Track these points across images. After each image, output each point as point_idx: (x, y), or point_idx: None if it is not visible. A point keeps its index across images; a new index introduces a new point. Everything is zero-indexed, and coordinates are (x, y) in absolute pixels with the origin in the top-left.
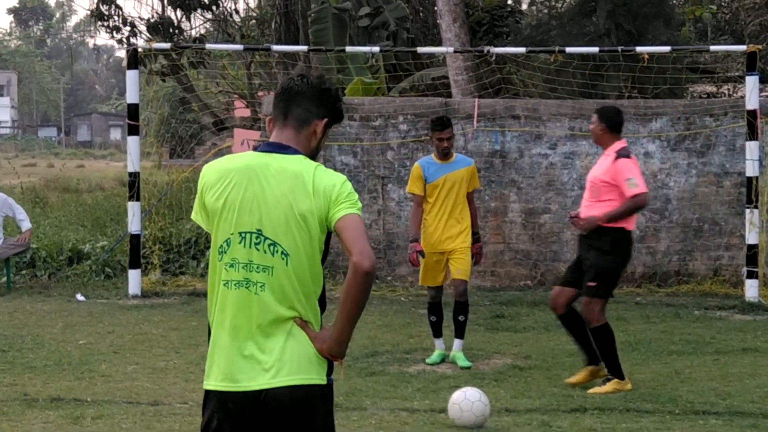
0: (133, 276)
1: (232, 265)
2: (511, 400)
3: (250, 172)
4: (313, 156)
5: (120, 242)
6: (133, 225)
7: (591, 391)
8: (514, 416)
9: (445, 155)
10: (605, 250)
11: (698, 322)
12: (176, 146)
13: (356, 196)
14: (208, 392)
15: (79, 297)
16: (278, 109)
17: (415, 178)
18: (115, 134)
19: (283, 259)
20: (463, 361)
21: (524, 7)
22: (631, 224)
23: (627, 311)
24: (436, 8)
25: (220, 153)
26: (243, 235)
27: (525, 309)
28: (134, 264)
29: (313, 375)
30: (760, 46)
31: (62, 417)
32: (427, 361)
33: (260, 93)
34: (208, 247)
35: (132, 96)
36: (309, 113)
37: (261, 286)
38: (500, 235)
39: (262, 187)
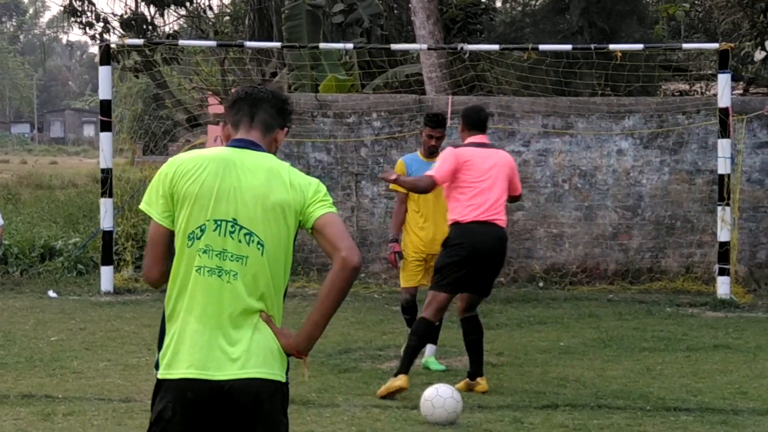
0: (106, 273)
1: (205, 252)
2: (484, 397)
3: (227, 162)
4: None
5: (92, 239)
6: (106, 221)
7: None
8: (486, 413)
9: (431, 153)
10: (443, 243)
11: (670, 319)
12: (149, 143)
13: (330, 196)
14: (163, 382)
15: (51, 294)
16: (242, 113)
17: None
18: (89, 131)
19: (258, 249)
20: (435, 365)
21: (498, 4)
22: (463, 217)
23: (599, 308)
24: (410, 5)
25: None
26: (218, 222)
27: (498, 306)
28: (107, 261)
29: (276, 371)
30: (732, 44)
31: (33, 414)
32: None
33: (234, 89)
34: None
35: (104, 92)
36: (273, 120)
37: (234, 275)
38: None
39: (239, 178)
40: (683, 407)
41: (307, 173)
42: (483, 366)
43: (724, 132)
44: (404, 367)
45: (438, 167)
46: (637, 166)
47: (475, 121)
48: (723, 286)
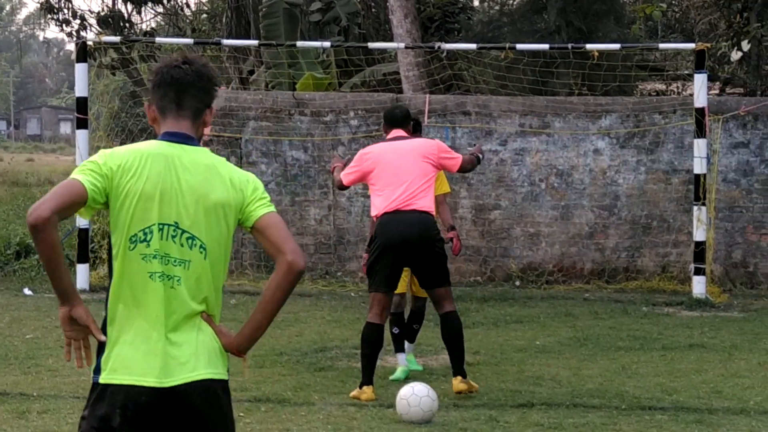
0: (82, 270)
1: (154, 257)
2: (459, 396)
3: (166, 161)
4: (198, 142)
5: (68, 236)
6: (81, 219)
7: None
8: (462, 411)
9: None
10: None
11: (646, 318)
12: (126, 140)
13: (268, 195)
14: (108, 386)
15: (27, 291)
16: (168, 99)
17: None
18: (65, 128)
19: (201, 252)
20: (413, 364)
21: (476, 3)
22: (377, 212)
23: (575, 307)
24: (387, 4)
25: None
26: (162, 227)
27: (474, 305)
28: (83, 258)
29: (220, 369)
30: (708, 45)
31: (8, 411)
32: (391, 378)
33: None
34: None
35: (81, 89)
36: (201, 103)
37: (178, 280)
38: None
39: (178, 177)
40: (658, 406)
41: (284, 171)
42: (461, 365)
43: (701, 132)
44: (366, 378)
45: (346, 169)
46: (613, 166)
47: (390, 118)
48: (698, 286)
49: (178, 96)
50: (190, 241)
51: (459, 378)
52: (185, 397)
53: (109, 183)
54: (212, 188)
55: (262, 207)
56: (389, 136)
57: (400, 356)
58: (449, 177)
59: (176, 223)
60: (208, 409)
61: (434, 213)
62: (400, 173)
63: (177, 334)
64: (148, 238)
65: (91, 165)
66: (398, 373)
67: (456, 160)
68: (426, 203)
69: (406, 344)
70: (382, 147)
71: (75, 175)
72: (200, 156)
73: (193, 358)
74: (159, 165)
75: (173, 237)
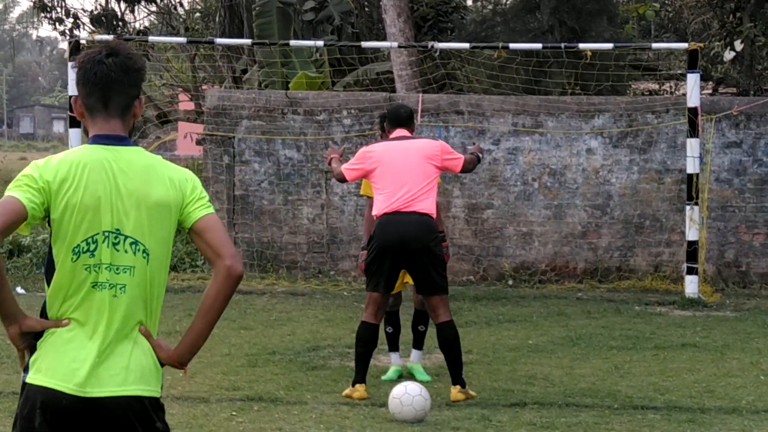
0: None
1: (98, 267)
2: None
3: (102, 166)
4: (131, 134)
5: None
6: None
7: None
8: (455, 411)
9: None
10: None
11: (638, 317)
12: None
13: (207, 195)
14: (33, 387)
15: (19, 290)
16: (94, 98)
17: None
18: (58, 127)
19: (144, 258)
20: (421, 375)
21: (469, 2)
22: (378, 212)
23: (568, 306)
24: (380, 3)
25: (164, 146)
26: (104, 234)
27: (467, 304)
28: None
29: (152, 386)
30: (701, 44)
31: (1, 411)
32: (383, 378)
33: (204, 86)
34: None
35: (74, 88)
36: (129, 98)
37: (122, 288)
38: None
39: (117, 183)
40: (651, 405)
41: (277, 170)
42: (459, 374)
43: (693, 131)
44: (359, 376)
45: (348, 164)
46: (606, 165)
47: (395, 118)
48: (691, 285)
49: (104, 95)
50: (133, 246)
51: (458, 387)
52: (108, 411)
53: (47, 197)
54: (152, 189)
55: (201, 208)
56: (393, 135)
57: (393, 355)
58: (443, 175)
59: (118, 229)
60: (132, 426)
61: (435, 215)
62: (401, 174)
63: (112, 346)
64: (91, 248)
65: (27, 180)
66: (390, 373)
67: (459, 160)
68: (426, 205)
69: (414, 353)
70: (385, 146)
71: (11, 192)
72: (136, 156)
73: (123, 372)
74: (95, 172)
75: (115, 244)
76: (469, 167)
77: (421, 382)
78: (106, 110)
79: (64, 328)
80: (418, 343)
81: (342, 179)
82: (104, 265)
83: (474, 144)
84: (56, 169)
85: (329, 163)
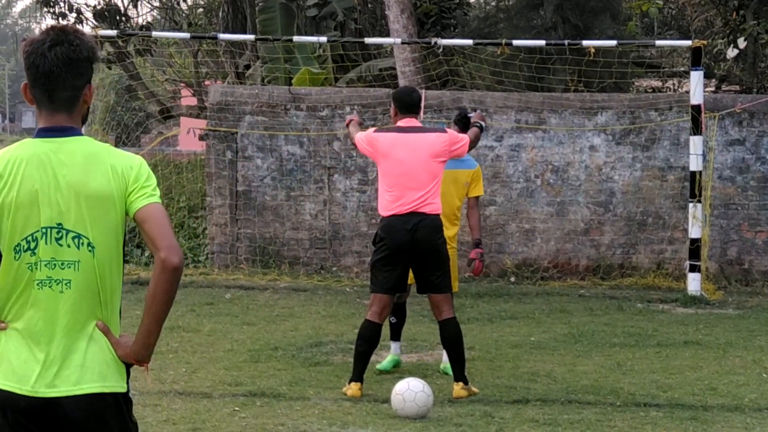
0: None
1: (35, 264)
2: None
3: (40, 161)
4: (85, 119)
5: None
6: None
7: None
8: (457, 407)
9: None
10: (373, 240)
11: (641, 314)
12: (122, 134)
13: (155, 180)
14: None
15: None
16: (39, 91)
17: None
18: None
19: (89, 251)
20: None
21: None
22: (386, 211)
23: (570, 303)
24: None
25: (166, 141)
26: (44, 230)
27: (469, 300)
28: None
29: (113, 382)
30: (705, 42)
31: None
32: (378, 367)
33: (207, 82)
34: None
35: None
36: (74, 90)
37: (67, 284)
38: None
39: (56, 176)
40: (653, 403)
41: (280, 166)
42: (461, 371)
43: (696, 129)
44: (356, 375)
45: (360, 138)
46: (609, 162)
47: (406, 104)
48: (694, 283)
49: (48, 90)
50: (76, 240)
51: (460, 384)
52: (64, 410)
53: None
54: (92, 178)
55: (143, 197)
56: (401, 124)
57: (394, 345)
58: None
59: (60, 224)
60: (91, 424)
61: (441, 212)
62: (409, 175)
63: (66, 344)
64: (32, 246)
65: None
66: (385, 363)
67: (464, 145)
68: (434, 207)
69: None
70: (394, 139)
71: None
72: (79, 146)
73: (78, 371)
74: (32, 168)
75: (58, 239)
76: (474, 144)
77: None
78: (51, 104)
79: (14, 329)
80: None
81: (352, 141)
82: (44, 262)
83: (476, 111)
84: None
85: (347, 125)
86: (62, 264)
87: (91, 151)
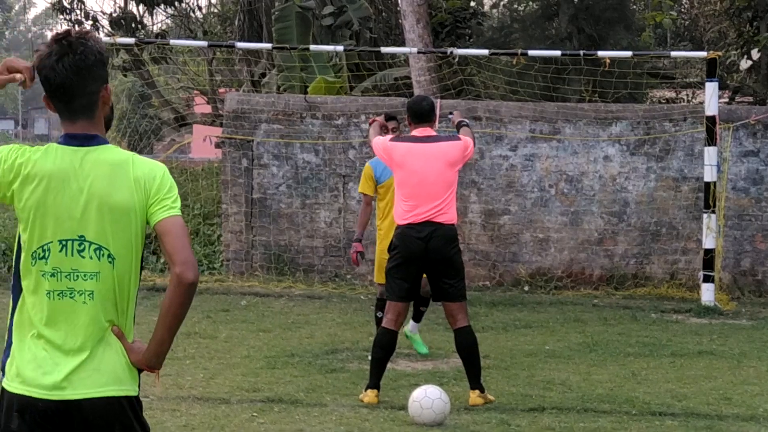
0: None
1: (53, 275)
2: None
3: (66, 172)
4: (109, 120)
5: None
6: None
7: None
8: (474, 414)
9: None
10: (388, 248)
11: (655, 324)
12: (136, 141)
13: (176, 191)
14: (6, 392)
15: None
16: (56, 102)
17: (366, 178)
18: None
19: (109, 263)
20: (419, 346)
21: (486, 9)
22: (401, 219)
23: (584, 313)
24: (399, 9)
25: (179, 149)
26: (63, 243)
27: (483, 309)
28: None
29: (128, 386)
30: (720, 53)
31: None
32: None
33: (221, 90)
34: None
35: None
36: (90, 95)
37: (89, 295)
38: (460, 235)
39: (79, 185)
40: (668, 412)
41: (295, 174)
42: (477, 379)
43: (711, 140)
44: (373, 382)
45: (378, 142)
46: (623, 173)
47: (417, 114)
48: (707, 293)
49: (65, 101)
50: (98, 252)
51: (477, 392)
52: (85, 413)
53: (9, 192)
54: (116, 190)
55: (163, 210)
56: (416, 133)
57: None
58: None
59: (81, 236)
60: (106, 426)
61: (456, 222)
62: (424, 185)
63: (83, 349)
64: (46, 255)
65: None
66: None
67: (473, 147)
68: (449, 216)
69: (412, 323)
70: (409, 149)
71: None
72: (104, 155)
73: (95, 374)
74: (56, 179)
75: (80, 251)
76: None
77: (420, 354)
78: (70, 114)
79: (34, 334)
80: (418, 318)
81: (370, 143)
82: (65, 273)
83: (454, 111)
84: (24, 163)
85: (370, 123)
86: (84, 275)
87: (115, 161)
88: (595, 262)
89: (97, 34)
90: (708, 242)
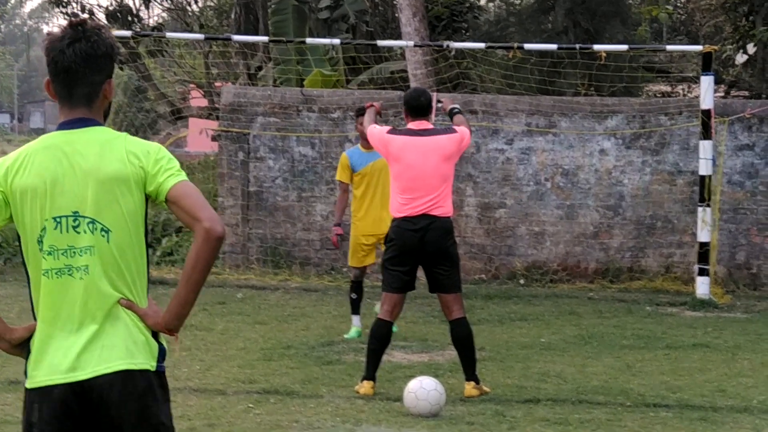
0: None
1: (50, 253)
2: None
3: (53, 152)
4: (107, 113)
5: None
6: None
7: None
8: (469, 406)
9: (368, 143)
10: (384, 239)
11: (650, 317)
12: (132, 135)
13: (177, 162)
14: (30, 391)
15: None
16: (59, 87)
17: (342, 167)
18: None
19: (103, 236)
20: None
21: (482, 2)
22: (397, 212)
23: (580, 306)
24: (395, 2)
25: (175, 142)
26: (58, 219)
27: (479, 302)
28: None
29: (140, 359)
30: (716, 47)
31: (20, 399)
32: (345, 336)
33: (218, 83)
34: (165, 235)
35: None
36: (93, 86)
37: (85, 270)
38: (456, 228)
39: (71, 164)
40: (663, 404)
41: (292, 167)
42: (472, 371)
43: (706, 133)
44: (369, 373)
45: (373, 132)
46: (619, 166)
47: (414, 108)
48: (702, 287)
49: (68, 86)
50: (91, 225)
51: (472, 383)
52: (97, 392)
53: (2, 190)
54: (106, 163)
55: (171, 177)
56: (413, 126)
57: (355, 318)
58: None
59: (76, 212)
60: (123, 401)
61: (452, 215)
62: (420, 178)
63: (88, 326)
64: (49, 234)
65: None
66: (351, 333)
67: (469, 137)
68: (445, 210)
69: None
70: (404, 143)
71: None
72: (96, 135)
73: (103, 351)
74: (46, 157)
75: (75, 227)
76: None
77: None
78: (70, 99)
79: (42, 322)
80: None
81: (362, 133)
82: (61, 251)
83: (443, 100)
84: (9, 161)
85: (367, 107)
86: (81, 251)
87: (107, 138)
88: (590, 255)
89: (111, 32)
90: (703, 236)
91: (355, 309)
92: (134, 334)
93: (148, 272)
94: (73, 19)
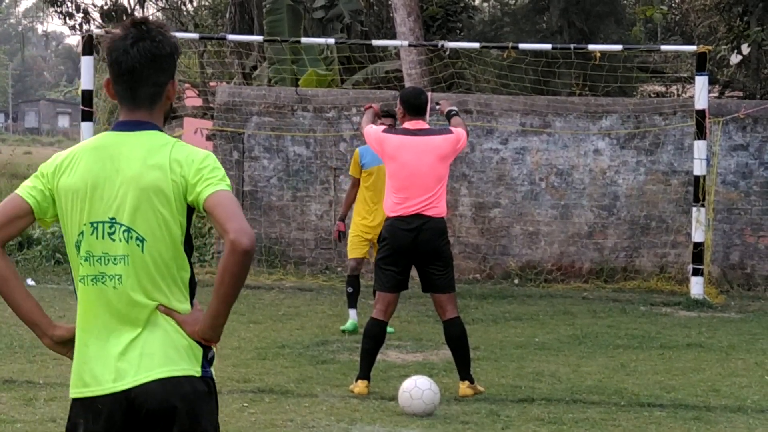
0: None
1: (86, 259)
2: None
3: (100, 153)
4: (167, 115)
5: None
6: None
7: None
8: (463, 405)
9: None
10: (378, 238)
11: (644, 317)
12: None
13: (222, 171)
14: (74, 401)
15: (30, 282)
16: (122, 88)
17: (354, 162)
18: (63, 121)
19: (138, 245)
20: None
21: (477, 2)
22: (390, 211)
23: (574, 306)
24: (390, 2)
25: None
26: (95, 225)
27: (474, 302)
28: None
29: (183, 366)
30: (710, 47)
31: (15, 398)
32: (341, 328)
33: (212, 83)
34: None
35: (86, 82)
36: (157, 86)
37: (118, 279)
38: (450, 228)
39: (115, 168)
40: (657, 403)
41: (286, 167)
42: (467, 370)
43: (701, 133)
44: (363, 372)
45: (370, 132)
46: (613, 166)
47: (412, 107)
48: (696, 287)
49: (131, 87)
50: (126, 234)
51: (466, 383)
52: (139, 402)
53: (50, 187)
54: (148, 171)
55: (209, 186)
56: (409, 126)
57: (352, 311)
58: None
59: (113, 218)
60: (168, 410)
61: (445, 215)
62: (415, 178)
63: (126, 335)
64: (80, 240)
65: (34, 175)
66: (348, 325)
67: (466, 138)
68: (439, 210)
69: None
70: (401, 142)
71: (17, 189)
72: (146, 139)
73: (140, 359)
74: (92, 159)
75: (110, 234)
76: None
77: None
78: (133, 100)
79: (79, 329)
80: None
81: (362, 132)
82: (96, 257)
83: (440, 102)
84: (59, 159)
85: (365, 109)
86: (115, 259)
87: (155, 144)
88: (584, 255)
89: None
90: (697, 236)
91: (352, 303)
92: (175, 339)
93: (193, 279)
94: (135, 17)
